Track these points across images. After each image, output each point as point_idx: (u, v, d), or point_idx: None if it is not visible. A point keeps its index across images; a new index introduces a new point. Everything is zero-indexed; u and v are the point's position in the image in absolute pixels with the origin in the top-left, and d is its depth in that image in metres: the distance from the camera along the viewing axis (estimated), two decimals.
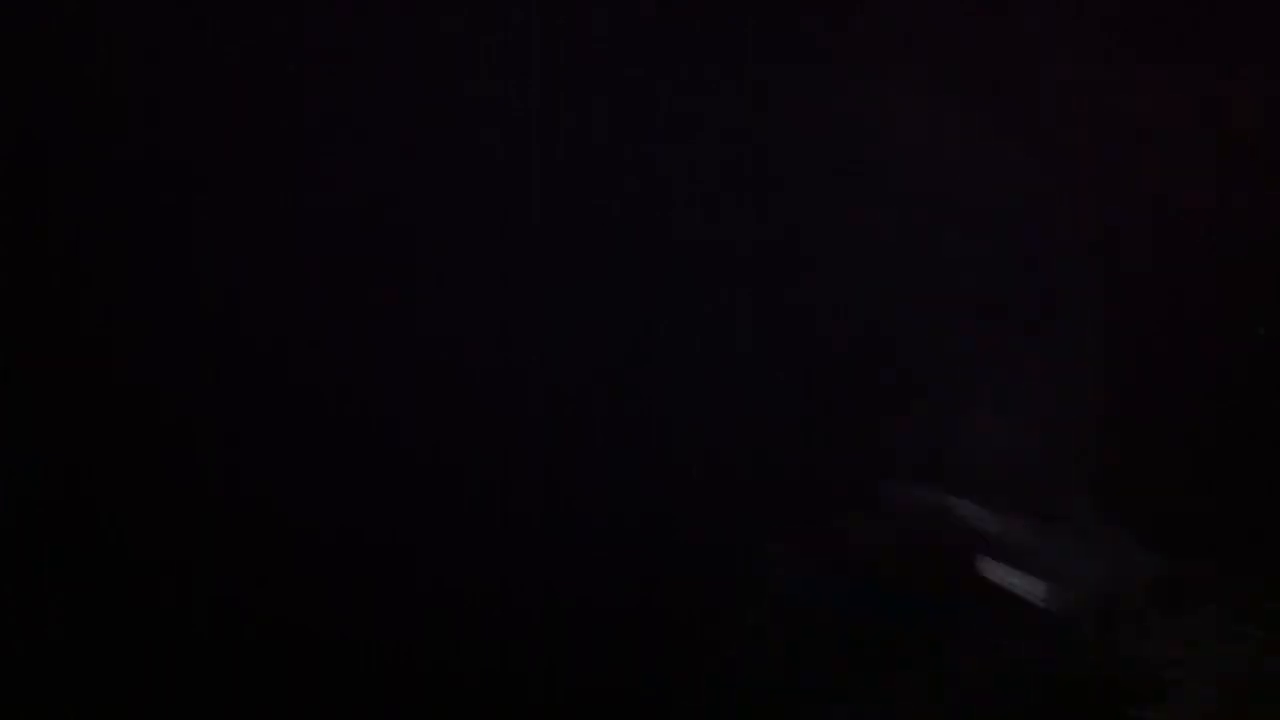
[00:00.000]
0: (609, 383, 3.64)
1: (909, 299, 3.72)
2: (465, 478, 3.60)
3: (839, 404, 3.69)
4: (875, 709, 3.38)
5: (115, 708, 3.38)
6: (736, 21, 3.69)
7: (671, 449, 3.65)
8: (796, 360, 3.69)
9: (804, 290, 3.72)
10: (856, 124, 3.70)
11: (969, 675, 3.38)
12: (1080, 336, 3.76)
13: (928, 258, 3.72)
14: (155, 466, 3.50)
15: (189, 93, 3.43)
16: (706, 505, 3.62)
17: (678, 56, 3.66)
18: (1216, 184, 3.82)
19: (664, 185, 3.67)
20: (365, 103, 3.56)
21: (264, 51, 3.46)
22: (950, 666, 3.39)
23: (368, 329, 3.61)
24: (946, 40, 3.76)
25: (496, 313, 3.68)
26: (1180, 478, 3.65)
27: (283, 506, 3.52)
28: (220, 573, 3.48)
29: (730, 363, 3.69)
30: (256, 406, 3.56)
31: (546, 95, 3.62)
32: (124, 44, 3.38)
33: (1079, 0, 3.81)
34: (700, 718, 3.51)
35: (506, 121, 3.61)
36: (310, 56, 3.50)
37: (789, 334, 3.71)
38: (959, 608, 3.42)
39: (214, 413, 3.55)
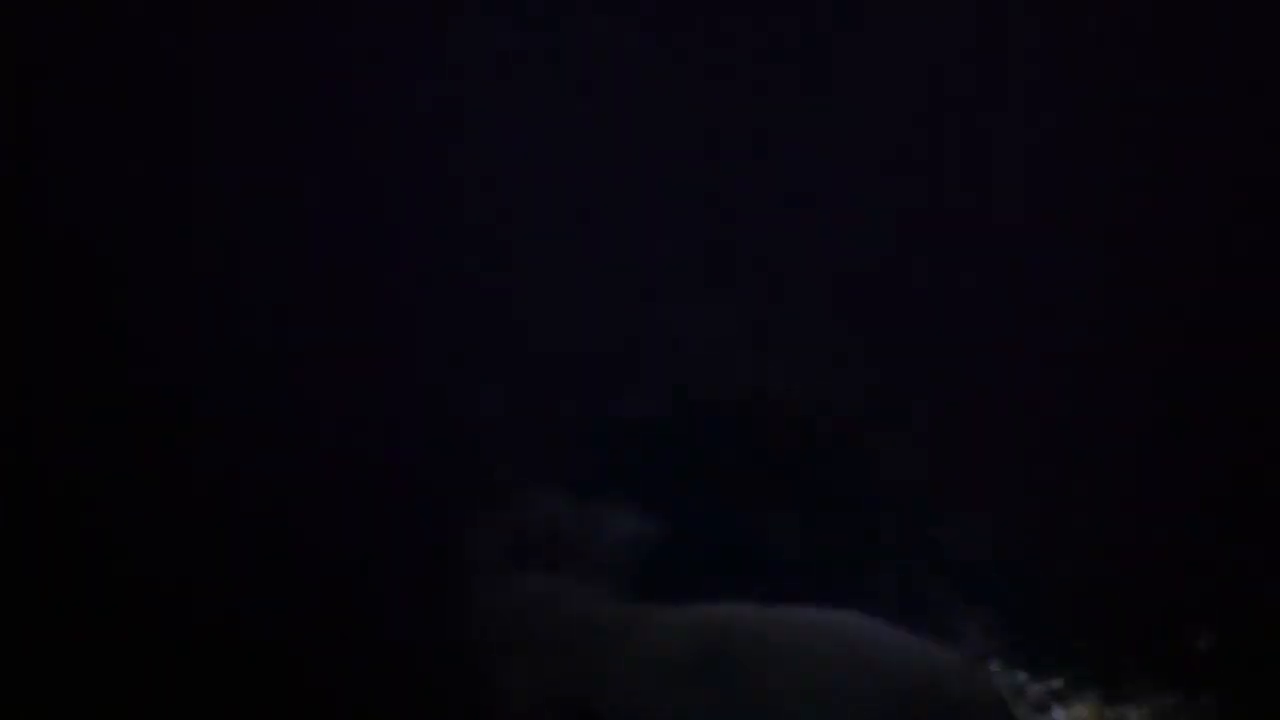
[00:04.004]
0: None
1: None
2: None
3: None
4: None
5: (113, 709, 3.35)
6: None
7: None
8: None
9: None
10: None
11: None
12: None
13: None
14: (150, 469, 3.48)
15: (190, 87, 3.43)
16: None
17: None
18: None
19: None
20: (362, 107, 3.56)
21: (264, 51, 3.46)
22: None
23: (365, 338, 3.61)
24: None
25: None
26: None
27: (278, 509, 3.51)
28: (214, 575, 3.46)
29: None
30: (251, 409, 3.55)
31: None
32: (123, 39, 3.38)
33: None
34: None
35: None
36: (310, 57, 3.50)
37: None
38: None
39: (210, 415, 3.54)
